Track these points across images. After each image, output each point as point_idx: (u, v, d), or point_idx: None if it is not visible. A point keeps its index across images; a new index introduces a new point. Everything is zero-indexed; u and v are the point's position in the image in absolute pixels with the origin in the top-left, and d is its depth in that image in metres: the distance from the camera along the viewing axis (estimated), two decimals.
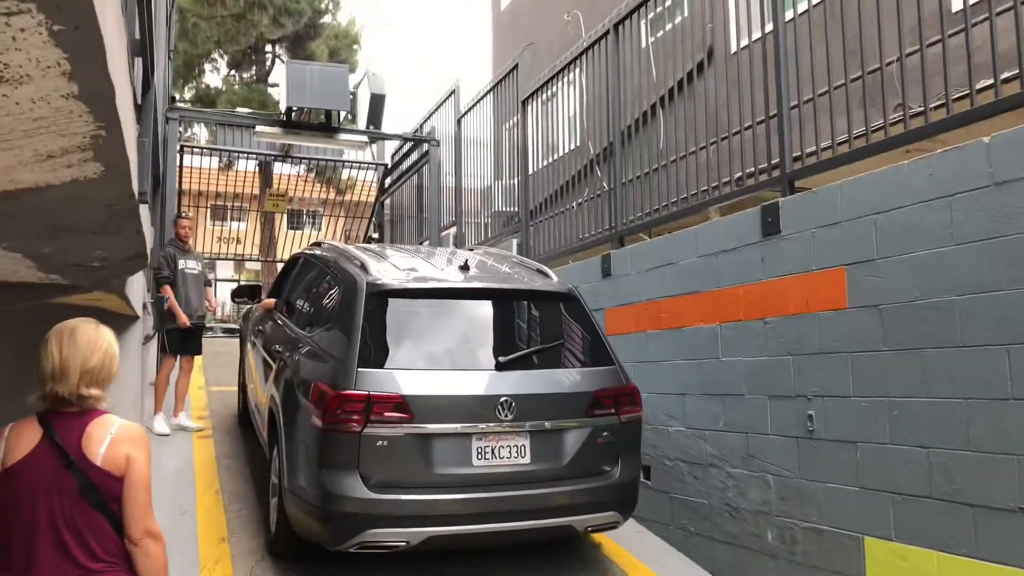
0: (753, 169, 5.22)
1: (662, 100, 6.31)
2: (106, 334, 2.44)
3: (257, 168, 17.21)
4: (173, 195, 9.27)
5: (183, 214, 8.12)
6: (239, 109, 17.95)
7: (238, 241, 17.88)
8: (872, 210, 4.12)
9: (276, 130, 9.98)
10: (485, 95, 9.41)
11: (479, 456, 4.24)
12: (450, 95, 10.58)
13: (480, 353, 4.58)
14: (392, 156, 12.39)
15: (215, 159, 20.64)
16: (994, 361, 3.51)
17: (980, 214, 3.59)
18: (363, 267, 4.84)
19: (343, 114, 10.38)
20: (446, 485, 4.20)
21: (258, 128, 10.05)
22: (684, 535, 5.47)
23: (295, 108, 9.77)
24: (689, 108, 5.88)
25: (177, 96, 24.79)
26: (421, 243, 10.72)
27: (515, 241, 8.32)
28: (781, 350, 4.69)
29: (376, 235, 13.54)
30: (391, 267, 5.02)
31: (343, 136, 10.38)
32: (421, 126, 11.58)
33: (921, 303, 3.85)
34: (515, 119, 8.61)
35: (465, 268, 5.02)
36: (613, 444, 4.57)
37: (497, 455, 4.27)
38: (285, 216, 18.99)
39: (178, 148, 10.64)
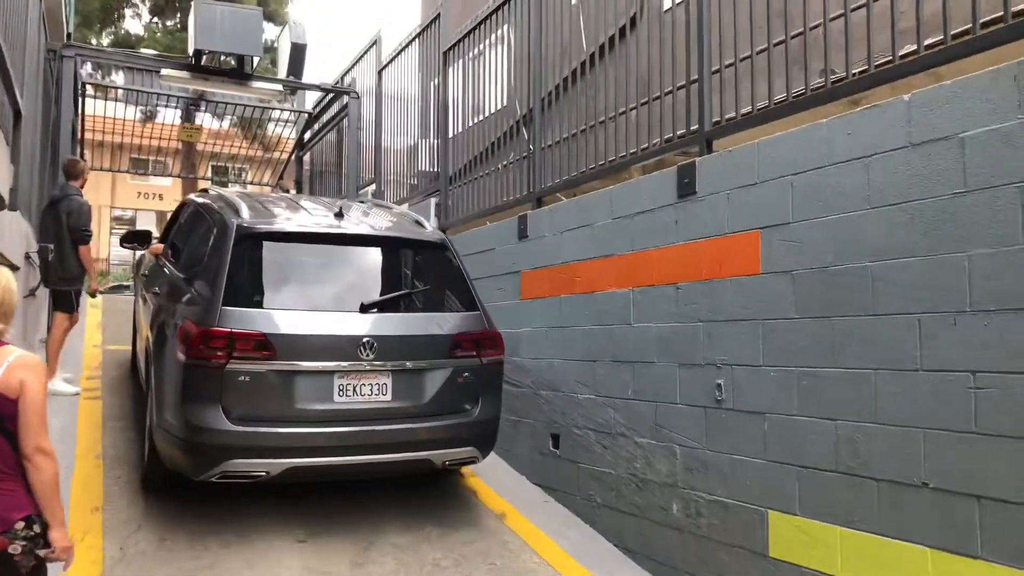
0: (672, 135, 4.97)
1: (589, 60, 5.99)
2: (4, 272, 2.62)
3: (181, 121, 16.35)
4: (67, 137, 8.56)
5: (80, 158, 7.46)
6: (144, 51, 16.90)
7: (160, 197, 17.05)
8: (789, 170, 3.92)
9: (183, 74, 9.29)
10: (405, 47, 8.95)
11: (341, 393, 4.44)
12: (371, 46, 10.06)
13: (346, 296, 4.71)
14: (313, 108, 11.76)
15: (135, 110, 19.60)
16: (904, 331, 3.35)
17: (897, 176, 3.41)
18: (236, 211, 4.92)
19: (256, 60, 9.76)
20: (307, 420, 4.39)
21: (163, 71, 9.35)
22: (591, 506, 5.29)
23: (205, 52, 9.12)
24: (616, 70, 5.58)
25: (96, 42, 23.43)
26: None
27: (433, 201, 7.97)
28: (692, 316, 4.49)
29: (288, 186, 12.96)
30: (266, 212, 5.17)
31: (256, 84, 9.78)
32: (342, 78, 11.03)
33: (834, 269, 3.66)
34: (437, 76, 8.20)
35: (340, 215, 5.12)
36: (474, 385, 4.81)
37: (359, 392, 4.48)
38: (208, 170, 18.17)
39: (79, 87, 9.91)
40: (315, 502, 5.17)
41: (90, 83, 10.07)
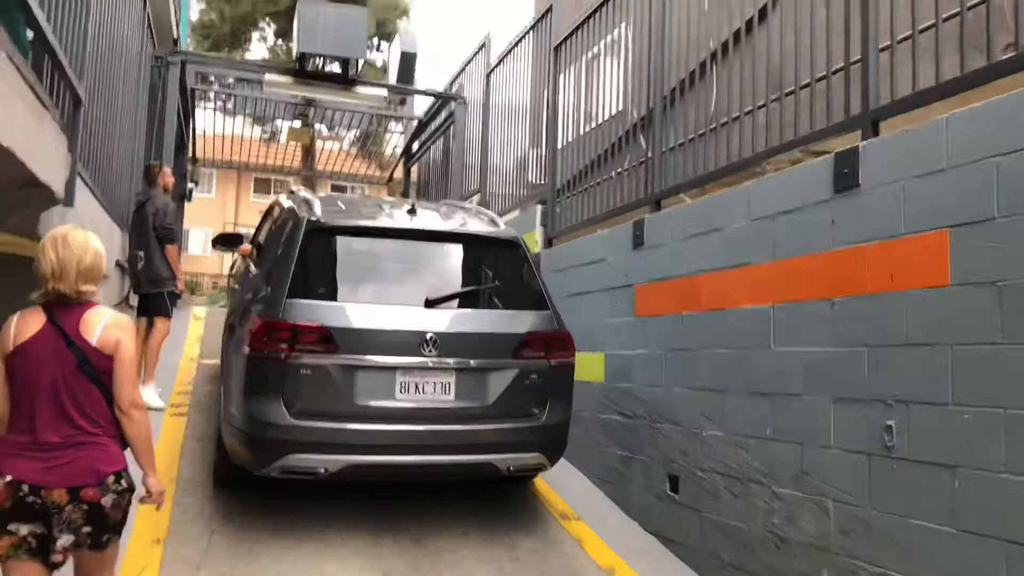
0: (827, 122, 4.08)
1: (721, 48, 5.16)
2: (92, 237, 2.80)
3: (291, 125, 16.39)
4: (171, 142, 8.40)
5: (161, 162, 7.27)
6: (249, 58, 17.08)
7: None
8: (993, 151, 3.00)
9: (286, 79, 9.03)
10: (515, 44, 8.35)
11: (403, 390, 4.34)
12: (480, 49, 9.55)
13: (412, 291, 4.62)
14: (422, 116, 11.29)
15: (259, 130, 20.05)
16: None
17: None
18: (310, 207, 4.92)
19: (360, 64, 9.40)
20: (367, 416, 4.29)
21: (267, 77, 9.15)
22: (717, 564, 4.41)
23: (309, 55, 8.82)
24: (754, 55, 4.73)
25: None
26: None
27: (539, 208, 7.29)
28: (853, 339, 3.59)
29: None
30: (341, 209, 5.24)
31: (360, 89, 9.43)
32: (450, 85, 10.59)
33: None
34: (548, 74, 7.55)
35: (412, 212, 5.06)
36: (541, 387, 4.62)
37: (421, 390, 4.37)
38: (329, 189, 18.27)
39: (189, 94, 9.85)
40: (404, 547, 4.55)
41: (199, 88, 9.94)
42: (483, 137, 9.22)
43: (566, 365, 4.79)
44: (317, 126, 11.34)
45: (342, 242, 4.77)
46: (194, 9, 23.60)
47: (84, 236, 2.80)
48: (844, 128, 3.90)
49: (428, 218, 5.25)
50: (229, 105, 12.06)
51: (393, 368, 4.34)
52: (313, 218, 4.72)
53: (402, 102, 10.94)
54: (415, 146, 12.20)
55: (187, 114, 11.16)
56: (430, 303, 4.52)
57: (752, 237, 4.32)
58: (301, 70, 9.06)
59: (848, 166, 3.66)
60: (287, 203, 5.44)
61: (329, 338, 4.25)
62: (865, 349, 3.52)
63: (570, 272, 6.48)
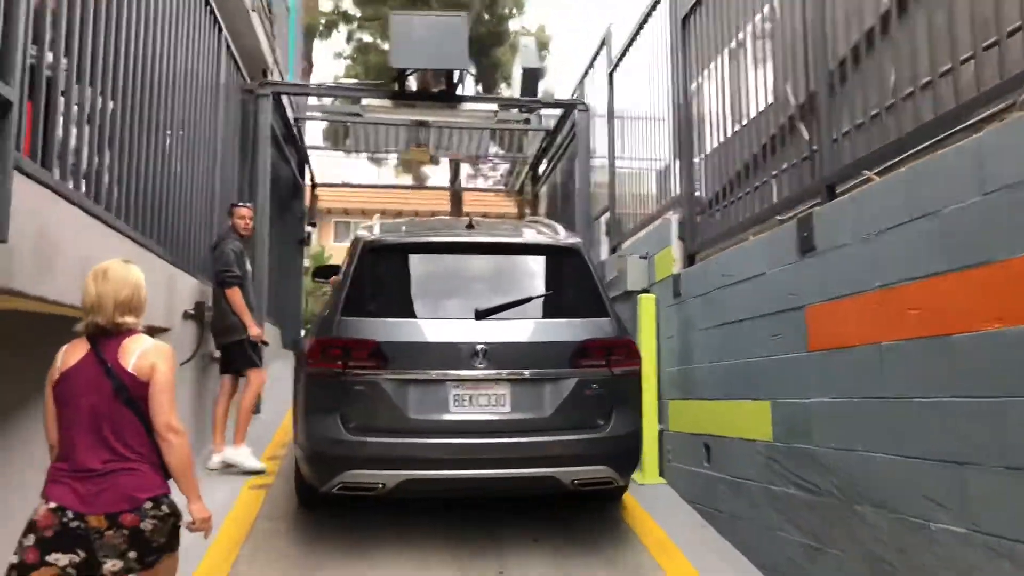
0: None
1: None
2: (134, 270, 2.92)
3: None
4: (265, 180, 7.66)
5: (242, 203, 6.52)
6: (343, 79, 16.54)
7: None
8: None
9: (385, 103, 8.16)
10: (639, 29, 6.98)
11: (457, 403, 4.35)
12: (601, 47, 8.26)
13: (464, 304, 4.61)
14: (547, 131, 10.05)
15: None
16: None
17: None
18: (370, 230, 5.06)
19: (464, 76, 8.36)
20: (423, 431, 4.32)
21: (364, 102, 8.33)
22: None
23: (406, 72, 7.88)
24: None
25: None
26: None
27: (674, 217, 5.86)
28: None
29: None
30: (400, 230, 5.28)
31: (466, 106, 8.39)
32: (574, 93, 9.36)
33: None
34: (676, 51, 6.15)
35: (470, 226, 5.08)
36: (604, 397, 4.50)
37: (475, 403, 4.36)
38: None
39: (293, 123, 9.24)
40: None
41: (302, 118, 9.29)
42: (610, 144, 7.89)
43: (631, 374, 4.66)
44: (435, 148, 10.41)
45: (396, 259, 4.86)
46: (339, 66, 23.90)
47: (125, 270, 2.90)
48: None
49: (484, 231, 5.23)
50: (347, 143, 11.47)
51: (445, 381, 4.35)
52: (368, 238, 4.83)
53: (527, 121, 9.80)
54: (542, 166, 11.06)
55: (299, 152, 10.61)
56: (480, 314, 4.48)
57: (991, 221, 2.75)
58: (400, 91, 8.13)
59: None
60: (358, 232, 5.34)
61: (381, 353, 4.32)
62: None
63: (717, 295, 5.02)
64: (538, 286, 4.90)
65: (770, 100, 4.80)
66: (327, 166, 11.52)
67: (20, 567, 2.59)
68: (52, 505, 2.64)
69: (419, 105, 8.22)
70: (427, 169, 18.99)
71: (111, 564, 2.64)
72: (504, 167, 13.58)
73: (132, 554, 2.67)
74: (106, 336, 2.81)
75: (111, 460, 2.71)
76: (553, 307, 4.77)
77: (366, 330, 4.40)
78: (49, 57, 3.59)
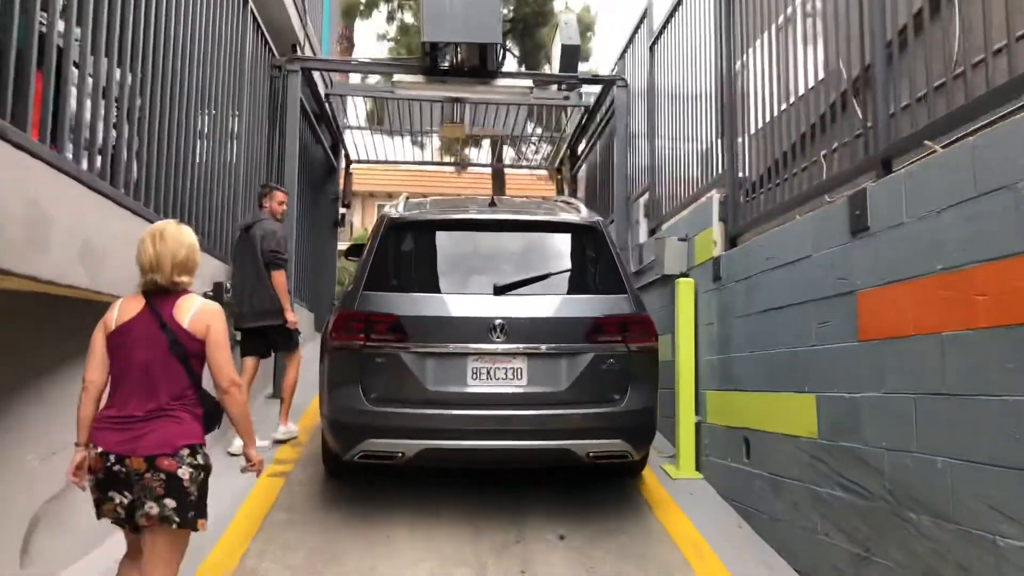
0: None
1: None
2: (187, 231, 3.08)
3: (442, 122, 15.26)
4: (293, 159, 7.49)
5: (277, 186, 6.44)
6: (374, 56, 16.22)
7: None
8: None
9: (417, 79, 7.87)
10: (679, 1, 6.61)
11: (475, 376, 4.44)
12: (642, 20, 7.87)
13: (484, 279, 4.67)
14: (584, 110, 9.67)
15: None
16: None
17: None
18: (396, 207, 5.10)
19: (502, 53, 8.06)
20: (441, 402, 4.40)
21: (395, 78, 8.08)
22: None
23: (439, 46, 7.60)
24: None
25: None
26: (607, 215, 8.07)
27: (716, 197, 5.50)
28: None
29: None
30: (425, 207, 5.32)
31: (502, 82, 8.09)
32: (614, 68, 8.98)
33: None
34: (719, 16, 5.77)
35: (492, 204, 5.27)
36: (620, 372, 4.52)
37: (493, 376, 4.44)
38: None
39: (325, 100, 9.06)
40: None
41: (332, 93, 9.07)
42: (650, 121, 7.53)
43: (647, 350, 4.66)
44: (471, 126, 10.12)
45: (417, 236, 4.96)
46: (383, 48, 23.60)
47: (179, 231, 3.05)
48: None
49: (505, 209, 5.36)
50: (383, 124, 11.23)
51: (464, 355, 4.42)
52: (392, 215, 4.91)
53: (566, 98, 9.45)
54: (581, 146, 10.69)
55: (332, 132, 10.41)
56: (499, 290, 4.56)
57: None
58: (432, 66, 7.85)
59: None
60: (384, 209, 5.40)
61: (401, 327, 4.42)
62: None
63: (760, 279, 4.67)
64: (557, 263, 4.93)
65: (820, 76, 4.42)
66: (368, 149, 11.20)
67: (95, 502, 2.89)
68: (99, 450, 2.83)
69: (450, 81, 7.94)
70: (469, 153, 18.68)
71: (148, 506, 2.77)
72: (546, 149, 13.23)
73: (169, 502, 2.78)
74: (162, 294, 2.96)
75: (156, 408, 2.86)
76: (571, 283, 4.84)
77: (387, 304, 4.50)
78: (60, 26, 3.45)
